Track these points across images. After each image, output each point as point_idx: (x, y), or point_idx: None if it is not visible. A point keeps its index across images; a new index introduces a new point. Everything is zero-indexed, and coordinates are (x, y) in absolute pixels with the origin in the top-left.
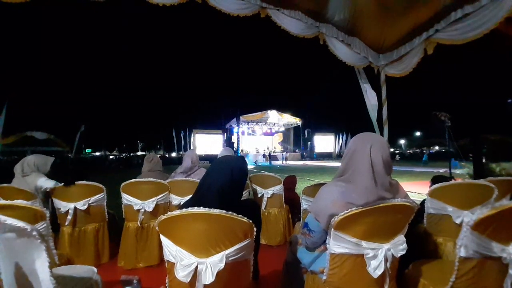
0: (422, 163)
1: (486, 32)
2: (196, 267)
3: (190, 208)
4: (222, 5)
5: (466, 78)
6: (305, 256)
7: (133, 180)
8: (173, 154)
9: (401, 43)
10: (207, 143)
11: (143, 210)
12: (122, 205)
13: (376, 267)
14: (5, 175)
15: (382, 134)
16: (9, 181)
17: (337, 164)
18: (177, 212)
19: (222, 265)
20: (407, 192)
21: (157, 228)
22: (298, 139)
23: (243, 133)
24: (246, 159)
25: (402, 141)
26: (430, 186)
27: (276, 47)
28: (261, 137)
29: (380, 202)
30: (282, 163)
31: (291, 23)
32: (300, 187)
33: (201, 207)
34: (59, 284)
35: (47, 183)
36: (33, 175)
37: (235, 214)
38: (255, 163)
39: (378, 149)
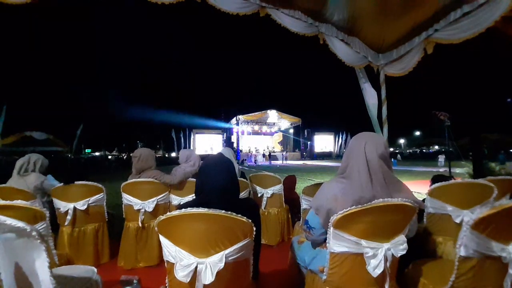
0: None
1: (482, 31)
2: (196, 267)
3: (189, 208)
4: (221, 3)
5: (465, 77)
6: (305, 254)
7: (133, 180)
8: (173, 154)
9: (401, 42)
10: (207, 143)
11: (143, 210)
12: (122, 205)
13: (375, 266)
14: (4, 175)
15: (382, 133)
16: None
17: (336, 164)
18: (176, 212)
19: (221, 265)
20: None
21: (156, 228)
22: (297, 139)
23: (242, 132)
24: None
25: (401, 141)
26: (430, 185)
27: (276, 47)
28: (261, 137)
29: (380, 201)
30: (282, 162)
31: (291, 22)
32: (300, 187)
33: (200, 207)
34: (59, 284)
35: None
36: (33, 175)
37: (234, 214)
38: (255, 162)
39: (372, 146)
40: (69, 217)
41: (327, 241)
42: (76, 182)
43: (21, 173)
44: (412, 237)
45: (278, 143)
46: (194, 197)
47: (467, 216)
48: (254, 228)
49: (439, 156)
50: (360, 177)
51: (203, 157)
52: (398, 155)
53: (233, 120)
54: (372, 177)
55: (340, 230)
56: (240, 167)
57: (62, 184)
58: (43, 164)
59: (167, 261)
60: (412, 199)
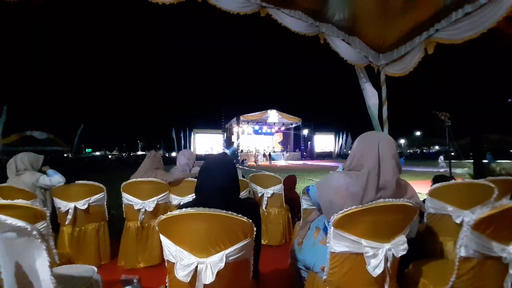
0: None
1: (484, 31)
2: (196, 267)
3: (189, 207)
4: (222, 3)
5: (466, 77)
6: (305, 256)
7: (133, 179)
8: (173, 154)
9: (402, 42)
10: (207, 143)
11: (143, 209)
12: (123, 205)
13: (376, 266)
14: (5, 175)
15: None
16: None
17: (336, 163)
18: (176, 212)
19: (222, 265)
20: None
21: (156, 228)
22: (298, 139)
23: (242, 132)
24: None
25: (402, 141)
26: (431, 186)
27: (276, 47)
28: (261, 136)
29: (380, 201)
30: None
31: (292, 22)
32: (300, 187)
33: (200, 207)
34: (60, 283)
35: (57, 178)
36: (27, 173)
37: (234, 213)
38: (255, 162)
39: (386, 146)
40: (69, 217)
41: (327, 240)
42: (76, 182)
43: (16, 173)
44: (413, 237)
45: (278, 143)
46: (194, 196)
47: (467, 217)
48: (255, 228)
49: (440, 156)
50: (369, 179)
51: (199, 157)
52: (403, 157)
53: (234, 120)
54: (380, 180)
55: (340, 230)
56: (240, 166)
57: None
58: (33, 160)
59: (168, 261)
60: (414, 200)
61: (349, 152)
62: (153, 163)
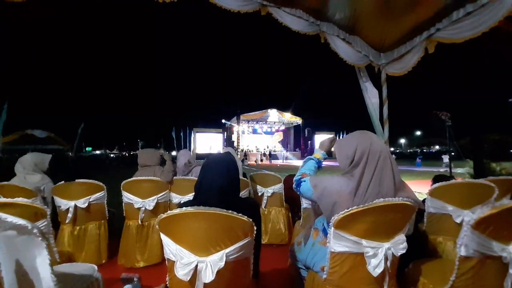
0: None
1: (485, 30)
2: (196, 265)
3: (190, 206)
4: (222, 1)
5: (467, 77)
6: (305, 255)
7: (133, 178)
8: (173, 153)
9: (402, 41)
10: (207, 142)
11: (143, 208)
12: (123, 203)
13: (376, 266)
14: (5, 173)
15: (383, 133)
16: (9, 179)
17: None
18: (177, 210)
19: (222, 264)
20: None
21: (157, 226)
22: (298, 138)
23: (243, 132)
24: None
25: (402, 140)
26: (432, 185)
27: (277, 46)
28: (261, 136)
29: (380, 200)
30: (282, 162)
31: (292, 21)
32: None
33: (201, 206)
34: (60, 281)
35: None
36: (38, 176)
37: (235, 213)
38: (256, 162)
39: (379, 145)
40: (70, 215)
41: (327, 240)
42: (77, 180)
43: (26, 173)
44: (412, 236)
45: (279, 142)
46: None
47: (467, 216)
48: (255, 227)
49: (443, 156)
50: (370, 179)
51: (200, 156)
52: (393, 155)
53: (234, 119)
54: (382, 178)
55: (341, 230)
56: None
57: (62, 182)
58: (37, 161)
59: (168, 259)
60: (413, 198)
61: (337, 155)
62: (150, 160)
